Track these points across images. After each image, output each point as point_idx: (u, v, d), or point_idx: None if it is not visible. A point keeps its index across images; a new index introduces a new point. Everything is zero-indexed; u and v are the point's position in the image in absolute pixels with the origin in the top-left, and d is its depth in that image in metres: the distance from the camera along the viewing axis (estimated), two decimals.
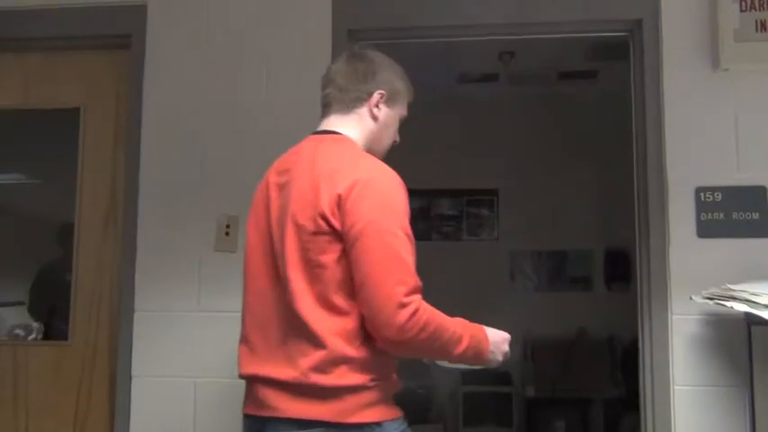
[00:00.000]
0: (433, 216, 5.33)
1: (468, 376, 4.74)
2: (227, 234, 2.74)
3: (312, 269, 1.71)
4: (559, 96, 5.18)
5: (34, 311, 3.03)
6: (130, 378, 2.74)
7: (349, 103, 1.90)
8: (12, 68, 3.02)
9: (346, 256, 1.69)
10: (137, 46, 2.87)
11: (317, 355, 1.67)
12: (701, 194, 2.57)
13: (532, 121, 5.26)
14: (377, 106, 1.92)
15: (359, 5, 2.80)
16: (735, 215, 2.55)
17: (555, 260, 5.47)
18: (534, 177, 5.33)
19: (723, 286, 2.27)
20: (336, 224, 1.69)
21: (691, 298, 2.41)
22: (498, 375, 4.68)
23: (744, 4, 2.58)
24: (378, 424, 1.69)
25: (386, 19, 2.80)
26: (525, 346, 5.08)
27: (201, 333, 2.72)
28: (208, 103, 2.82)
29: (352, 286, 1.69)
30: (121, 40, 2.91)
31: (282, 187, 1.83)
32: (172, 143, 2.83)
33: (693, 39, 2.63)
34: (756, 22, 2.57)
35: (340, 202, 1.69)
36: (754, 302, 2.05)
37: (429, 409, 4.79)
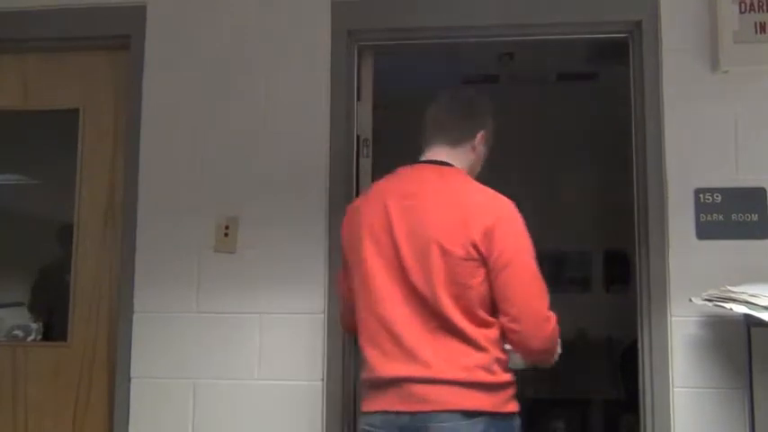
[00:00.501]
0: None
1: None
2: (225, 235, 2.74)
3: (460, 288, 1.97)
4: (559, 98, 5.18)
5: (35, 311, 3.03)
6: (129, 379, 2.74)
7: (457, 139, 2.15)
8: (11, 69, 3.02)
9: (488, 278, 1.98)
10: (136, 47, 2.87)
11: (479, 357, 1.95)
12: (701, 196, 2.57)
13: (532, 123, 5.25)
14: (478, 145, 2.18)
15: (358, 6, 2.80)
16: (734, 217, 2.55)
17: (554, 261, 5.46)
18: (533, 179, 5.32)
19: (722, 288, 2.27)
20: (484, 252, 1.96)
21: (690, 300, 2.41)
22: None
23: (743, 5, 2.58)
24: (516, 414, 2.01)
25: (385, 20, 2.80)
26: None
27: (200, 334, 2.72)
28: (207, 104, 2.82)
29: (491, 303, 1.99)
30: (121, 41, 2.90)
31: (407, 209, 2.05)
32: (171, 144, 2.82)
33: (693, 40, 2.63)
34: (756, 23, 2.57)
35: (488, 233, 1.96)
36: (753, 304, 2.04)
37: None
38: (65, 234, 2.94)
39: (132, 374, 2.74)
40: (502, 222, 1.99)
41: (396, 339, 1.99)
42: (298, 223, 2.72)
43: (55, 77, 3.00)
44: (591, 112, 5.08)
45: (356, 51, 2.83)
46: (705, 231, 2.55)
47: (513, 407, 2.00)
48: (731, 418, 2.46)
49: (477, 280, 1.97)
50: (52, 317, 3.01)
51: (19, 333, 2.97)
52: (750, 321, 2.26)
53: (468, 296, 1.97)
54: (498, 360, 1.98)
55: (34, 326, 2.98)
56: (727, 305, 2.14)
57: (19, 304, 3.07)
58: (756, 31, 2.57)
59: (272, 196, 2.76)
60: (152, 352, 2.73)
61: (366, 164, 2.82)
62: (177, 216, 2.78)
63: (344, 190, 2.72)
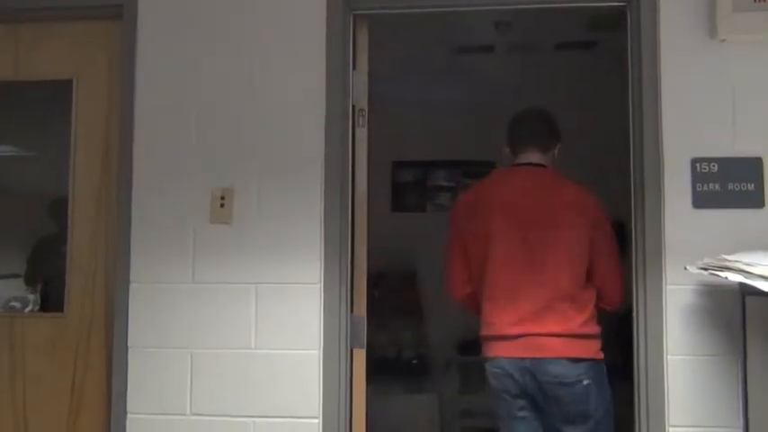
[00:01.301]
0: (428, 187, 5.32)
1: (463, 346, 4.78)
2: (221, 206, 2.74)
3: (577, 261, 2.62)
4: (556, 67, 5.15)
5: (32, 283, 3.03)
6: (127, 349, 2.75)
7: (547, 146, 2.80)
8: (3, 40, 2.99)
9: (589, 254, 2.63)
10: (129, 16, 2.84)
11: (583, 315, 2.60)
12: (697, 165, 2.56)
13: (529, 93, 5.22)
14: (557, 152, 2.84)
15: None
16: (730, 186, 2.55)
17: None
18: None
19: (718, 257, 2.28)
20: (593, 237, 2.64)
21: (685, 268, 2.42)
22: None
23: None
24: (603, 361, 2.65)
25: None
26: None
27: (197, 304, 2.73)
28: (201, 73, 2.80)
29: (587, 274, 2.64)
30: (113, 11, 2.87)
31: (532, 197, 2.68)
32: (165, 114, 2.81)
33: (691, 9, 2.61)
34: None
35: (596, 224, 2.66)
36: (748, 273, 2.05)
37: (425, 378, 4.82)
38: (60, 205, 2.93)
39: (130, 344, 2.75)
40: (603, 217, 2.68)
41: (513, 303, 2.60)
42: (293, 194, 2.72)
43: (47, 48, 2.97)
44: (588, 81, 5.05)
45: (352, 20, 2.80)
46: (701, 200, 2.55)
47: (602, 355, 2.62)
48: (725, 385, 2.48)
49: (586, 255, 2.63)
50: (49, 288, 3.02)
51: (16, 304, 2.98)
52: (745, 290, 2.26)
53: (580, 267, 2.62)
54: (594, 316, 2.62)
55: (31, 297, 2.99)
56: (723, 274, 2.15)
57: (15, 276, 3.07)
58: (755, 0, 2.55)
59: (268, 167, 2.75)
60: (149, 322, 2.74)
61: (362, 133, 2.80)
62: (173, 187, 2.78)
63: (340, 160, 2.71)
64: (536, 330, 2.57)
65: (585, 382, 2.56)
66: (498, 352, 2.63)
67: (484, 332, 2.68)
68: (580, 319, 2.58)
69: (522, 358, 2.59)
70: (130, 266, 2.77)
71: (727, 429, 2.47)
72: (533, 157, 2.77)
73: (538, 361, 2.57)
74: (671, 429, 2.51)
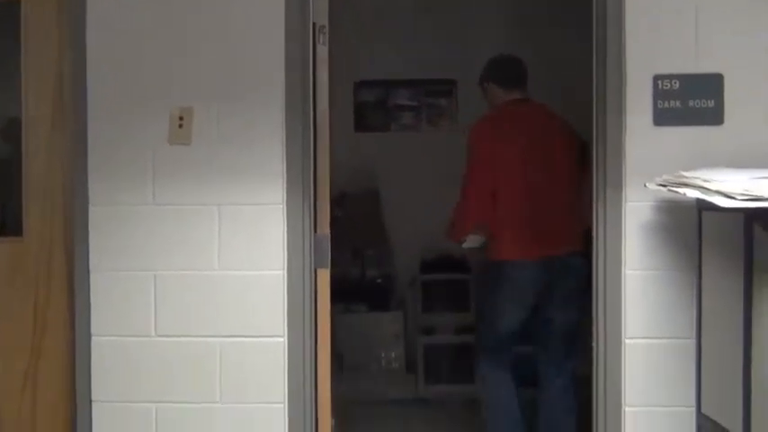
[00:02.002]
0: (391, 107, 5.27)
1: (426, 265, 4.85)
2: (180, 126, 2.68)
3: (574, 177, 3.29)
4: None
5: None
6: (88, 272, 2.73)
7: (525, 86, 3.42)
8: None
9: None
10: None
11: (585, 219, 2.92)
12: (659, 82, 2.57)
13: (494, 10, 5.14)
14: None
15: None
16: (691, 103, 2.56)
17: None
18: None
19: (676, 173, 2.30)
20: (579, 153, 3.28)
21: (645, 185, 2.45)
22: (456, 263, 4.77)
23: None
24: None
25: None
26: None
27: (159, 226, 2.71)
28: None
29: None
30: None
31: (537, 128, 3.32)
32: (120, 32, 2.73)
33: None
34: None
35: (580, 145, 3.29)
36: (705, 188, 2.07)
37: (389, 297, 4.89)
38: (13, 127, 2.85)
39: (91, 267, 2.73)
40: (583, 139, 3.20)
41: (531, 219, 3.20)
42: (254, 113, 2.68)
43: None
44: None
45: None
46: (662, 118, 2.57)
47: None
48: (680, 299, 2.56)
49: (578, 172, 3.26)
50: (6, 212, 2.96)
51: None
52: (701, 205, 2.30)
53: (577, 181, 3.26)
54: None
55: None
56: (681, 190, 2.17)
57: None
58: None
59: (227, 86, 2.70)
60: (110, 245, 2.72)
61: (323, 51, 2.75)
62: (129, 107, 2.72)
63: (301, 78, 2.67)
64: (559, 231, 3.22)
65: (587, 267, 2.93)
66: (526, 254, 3.20)
67: (508, 236, 3.21)
68: (584, 222, 2.99)
69: (551, 256, 3.21)
70: (89, 188, 2.72)
71: (680, 340, 2.55)
72: (520, 94, 3.39)
73: (561, 257, 3.22)
74: (627, 341, 2.59)
